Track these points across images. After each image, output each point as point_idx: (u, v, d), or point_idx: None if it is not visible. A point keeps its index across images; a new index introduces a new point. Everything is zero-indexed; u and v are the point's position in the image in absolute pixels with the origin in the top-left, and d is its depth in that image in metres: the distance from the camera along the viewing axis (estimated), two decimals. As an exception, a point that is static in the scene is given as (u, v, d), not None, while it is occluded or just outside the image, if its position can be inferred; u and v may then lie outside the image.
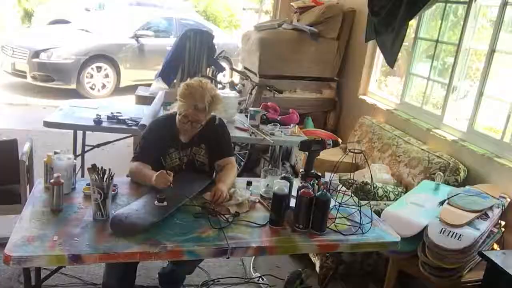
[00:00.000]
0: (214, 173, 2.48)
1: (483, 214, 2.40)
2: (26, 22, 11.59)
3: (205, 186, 2.24)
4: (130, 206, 1.95)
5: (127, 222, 1.83)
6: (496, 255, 2.12)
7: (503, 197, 2.62)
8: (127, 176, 2.32)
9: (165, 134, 2.32)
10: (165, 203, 1.97)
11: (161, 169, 2.15)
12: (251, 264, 3.01)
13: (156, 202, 1.98)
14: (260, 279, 2.86)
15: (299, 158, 4.11)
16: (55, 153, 2.10)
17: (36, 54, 6.78)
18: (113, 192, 2.06)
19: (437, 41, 3.63)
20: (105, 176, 1.86)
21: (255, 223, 1.99)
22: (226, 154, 2.41)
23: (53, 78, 6.83)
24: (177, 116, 2.27)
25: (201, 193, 2.19)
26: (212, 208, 2.03)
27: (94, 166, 1.88)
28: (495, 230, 2.49)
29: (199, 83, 2.26)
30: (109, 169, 1.89)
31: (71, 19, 9.06)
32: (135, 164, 2.26)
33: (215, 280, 2.81)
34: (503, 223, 2.56)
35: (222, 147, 2.42)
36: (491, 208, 2.45)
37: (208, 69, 5.42)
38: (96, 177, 1.85)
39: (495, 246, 2.52)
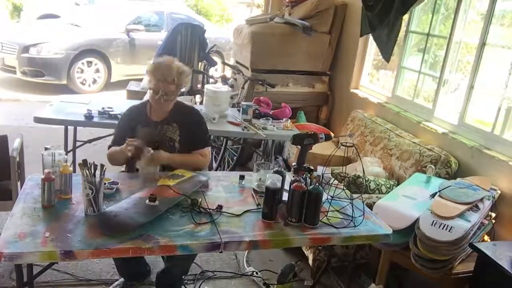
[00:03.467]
0: None
1: (474, 206, 2.42)
2: (15, 16, 11.45)
3: (200, 186, 2.24)
4: (120, 204, 1.94)
5: (116, 222, 1.82)
6: (487, 247, 2.15)
7: (494, 189, 2.64)
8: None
9: (136, 116, 2.49)
10: (156, 202, 1.96)
11: None
12: (245, 258, 3.02)
13: (147, 201, 1.97)
14: (254, 273, 2.87)
15: (292, 152, 4.12)
16: (46, 148, 2.08)
17: (26, 49, 6.70)
18: (111, 191, 2.06)
19: (428, 34, 3.64)
20: (97, 172, 1.85)
21: (234, 214, 2.00)
22: (200, 145, 2.51)
23: (43, 73, 6.77)
24: (150, 94, 2.41)
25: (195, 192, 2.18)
26: (199, 205, 2.02)
27: (85, 161, 1.87)
28: (486, 222, 2.52)
29: (165, 59, 2.45)
30: (102, 165, 1.88)
31: (61, 13, 8.95)
32: (109, 150, 2.47)
33: (212, 272, 2.82)
34: (493, 215, 2.59)
35: (197, 137, 2.51)
36: (481, 200, 2.48)
37: (200, 63, 5.40)
38: (87, 172, 1.84)
39: (486, 237, 2.54)
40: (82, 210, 1.88)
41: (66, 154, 2.18)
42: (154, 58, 2.54)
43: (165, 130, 2.47)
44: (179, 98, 2.56)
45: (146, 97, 2.65)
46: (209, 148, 2.59)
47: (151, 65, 2.46)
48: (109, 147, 2.49)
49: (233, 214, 2.00)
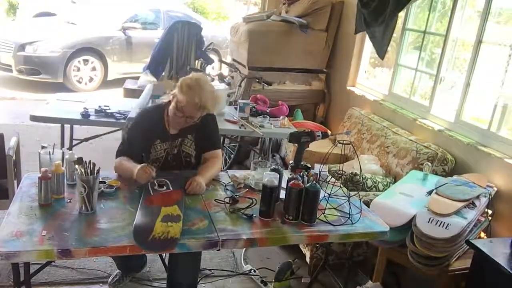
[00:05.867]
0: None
1: (471, 203, 2.43)
2: (11, 14, 11.39)
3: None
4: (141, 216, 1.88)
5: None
6: (483, 244, 2.15)
7: (490, 186, 2.65)
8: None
9: (152, 126, 2.30)
10: (164, 188, 1.98)
11: (145, 161, 2.20)
12: (242, 256, 3.02)
13: (156, 187, 2.01)
14: (252, 271, 2.87)
15: (289, 150, 4.12)
16: (43, 147, 2.08)
17: (22, 47, 6.67)
18: (111, 190, 2.06)
19: (424, 32, 3.64)
20: (92, 170, 1.85)
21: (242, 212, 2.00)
22: (213, 147, 2.41)
23: (39, 72, 6.74)
24: (171, 107, 2.23)
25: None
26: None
27: (80, 159, 1.87)
28: (482, 219, 2.53)
29: (202, 78, 2.24)
30: (93, 164, 1.88)
31: (57, 11, 8.91)
32: (119, 159, 2.25)
33: (210, 270, 2.82)
34: (490, 212, 2.59)
35: (211, 140, 2.41)
36: (478, 197, 2.49)
37: (196, 61, 5.39)
38: (82, 170, 1.83)
39: (482, 234, 2.55)
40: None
41: (68, 152, 2.17)
42: (185, 77, 2.25)
43: (181, 145, 2.34)
44: None
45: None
46: (220, 150, 2.47)
47: (187, 81, 2.20)
48: (119, 152, 2.28)
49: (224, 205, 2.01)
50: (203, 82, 2.22)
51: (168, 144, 2.32)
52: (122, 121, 3.17)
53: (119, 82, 6.69)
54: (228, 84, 4.55)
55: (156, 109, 2.37)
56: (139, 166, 2.12)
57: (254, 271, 2.87)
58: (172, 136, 2.32)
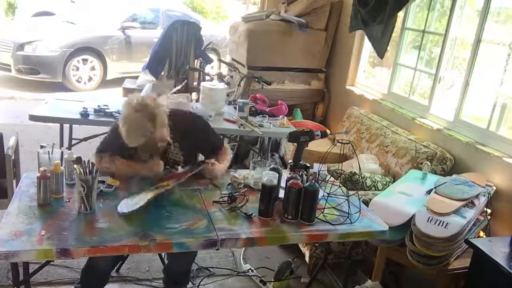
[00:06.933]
0: None
1: (470, 203, 2.43)
2: (9, 14, 11.38)
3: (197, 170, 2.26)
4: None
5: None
6: (483, 243, 2.15)
7: (489, 186, 2.65)
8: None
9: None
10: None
11: None
12: (241, 255, 3.02)
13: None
14: (251, 270, 2.88)
15: (288, 149, 4.12)
16: (41, 147, 2.08)
17: (21, 46, 6.66)
18: (110, 189, 2.05)
19: (424, 31, 3.64)
20: (91, 170, 1.84)
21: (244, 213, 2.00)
22: (216, 149, 2.42)
23: (38, 71, 6.73)
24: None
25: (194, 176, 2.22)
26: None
27: (78, 158, 1.87)
28: (481, 218, 2.53)
29: (135, 108, 2.01)
30: (92, 164, 1.88)
31: (56, 11, 8.90)
32: (109, 158, 2.17)
33: (209, 269, 2.82)
34: (489, 211, 2.60)
35: (209, 143, 2.41)
36: (477, 196, 2.48)
37: (195, 60, 5.40)
38: (81, 170, 1.83)
39: (481, 233, 2.55)
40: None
41: (66, 151, 2.17)
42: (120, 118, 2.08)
43: (165, 152, 2.26)
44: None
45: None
46: (223, 144, 2.48)
47: (122, 128, 2.02)
48: (100, 151, 2.21)
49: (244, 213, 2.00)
50: (136, 111, 1.99)
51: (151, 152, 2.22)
52: (121, 120, 3.16)
53: (118, 81, 6.69)
54: (227, 83, 4.55)
55: None
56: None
57: (253, 270, 2.87)
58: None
